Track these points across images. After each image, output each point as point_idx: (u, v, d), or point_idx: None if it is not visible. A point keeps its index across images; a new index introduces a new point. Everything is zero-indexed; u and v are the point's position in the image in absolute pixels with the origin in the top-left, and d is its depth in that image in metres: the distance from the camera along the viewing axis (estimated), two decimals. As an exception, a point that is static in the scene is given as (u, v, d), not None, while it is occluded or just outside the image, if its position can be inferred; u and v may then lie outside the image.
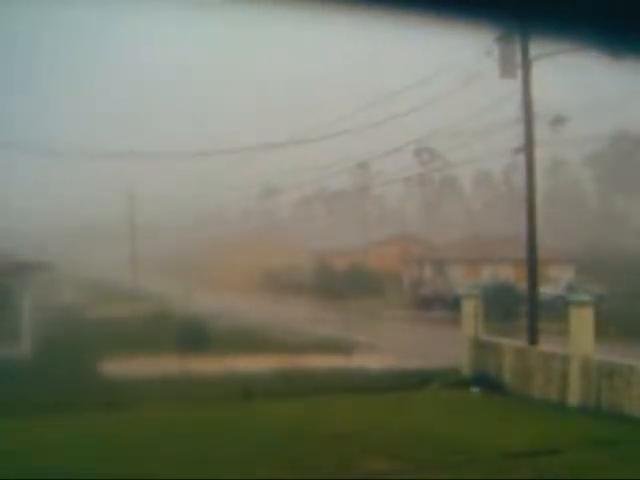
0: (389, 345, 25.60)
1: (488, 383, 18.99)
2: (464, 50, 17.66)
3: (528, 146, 19.07)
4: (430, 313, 38.90)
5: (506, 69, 18.59)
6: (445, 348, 22.03)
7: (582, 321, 16.80)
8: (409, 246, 60.34)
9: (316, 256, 59.79)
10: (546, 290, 32.52)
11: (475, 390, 18.92)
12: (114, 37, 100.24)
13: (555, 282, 40.15)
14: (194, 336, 23.92)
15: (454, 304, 26.24)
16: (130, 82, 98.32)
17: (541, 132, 19.78)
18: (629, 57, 3.16)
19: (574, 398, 16.63)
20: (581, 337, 16.78)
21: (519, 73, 18.68)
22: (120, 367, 20.47)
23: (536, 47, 17.00)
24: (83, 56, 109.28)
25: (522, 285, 24.34)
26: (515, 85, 18.87)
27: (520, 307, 27.34)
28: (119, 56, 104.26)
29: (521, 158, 19.59)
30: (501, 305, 30.66)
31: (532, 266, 19.36)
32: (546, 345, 18.71)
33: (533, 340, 18.80)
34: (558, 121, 19.71)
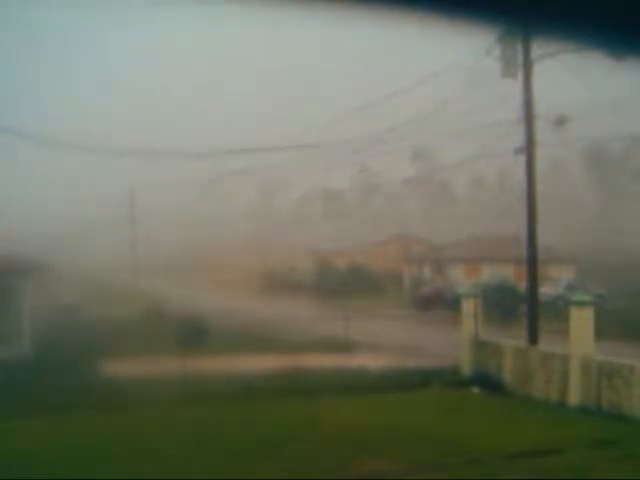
0: (389, 345, 25.56)
1: (488, 383, 18.97)
2: (465, 50, 17.62)
3: (529, 146, 19.06)
4: (430, 313, 38.88)
5: (508, 69, 18.56)
6: (445, 348, 22.02)
7: (582, 321, 16.79)
8: (409, 246, 60.31)
9: (316, 256, 59.79)
10: (546, 290, 32.52)
11: (475, 390, 18.91)
12: (113, 35, 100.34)
13: (555, 282, 40.14)
14: (193, 336, 23.88)
15: (454, 304, 26.22)
16: (130, 81, 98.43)
17: (543, 132, 19.76)
18: (630, 57, 3.16)
19: (574, 398, 16.62)
20: (581, 337, 16.77)
21: (520, 73, 18.66)
22: (120, 367, 20.44)
23: (538, 47, 17.01)
24: (83, 54, 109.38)
25: (522, 285, 24.33)
26: (516, 85, 18.86)
27: (520, 307, 27.33)
28: (121, 54, 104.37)
29: (522, 158, 19.55)
30: (501, 305, 30.65)
31: (532, 266, 19.35)
32: (546, 345, 18.70)
33: (533, 340, 18.79)
34: (560, 121, 19.69)
